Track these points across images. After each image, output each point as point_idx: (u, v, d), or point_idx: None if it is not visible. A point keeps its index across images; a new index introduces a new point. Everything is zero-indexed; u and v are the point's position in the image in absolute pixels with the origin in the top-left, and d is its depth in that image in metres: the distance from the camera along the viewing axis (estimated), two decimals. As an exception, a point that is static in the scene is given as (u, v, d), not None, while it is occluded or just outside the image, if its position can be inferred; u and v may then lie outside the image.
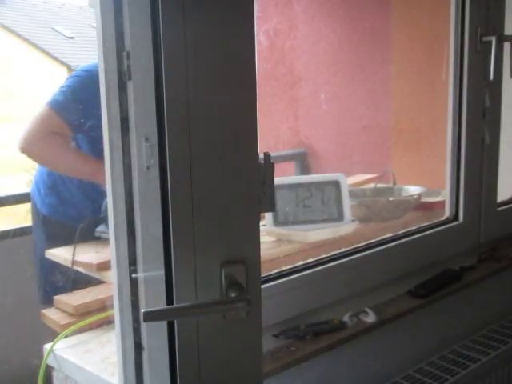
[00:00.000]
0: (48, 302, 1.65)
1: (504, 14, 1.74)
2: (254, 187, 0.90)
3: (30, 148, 1.85)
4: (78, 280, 1.67)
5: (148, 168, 0.93)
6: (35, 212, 2.02)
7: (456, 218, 1.75)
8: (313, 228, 1.74)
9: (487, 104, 1.72)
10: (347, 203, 1.79)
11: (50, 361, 1.34)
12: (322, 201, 1.80)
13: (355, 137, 2.65)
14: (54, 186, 1.97)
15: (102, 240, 1.74)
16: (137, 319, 1.00)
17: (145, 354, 1.01)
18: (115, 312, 1.03)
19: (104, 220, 1.70)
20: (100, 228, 1.75)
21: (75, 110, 1.82)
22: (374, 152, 2.60)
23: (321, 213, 1.79)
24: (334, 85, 2.64)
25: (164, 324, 0.92)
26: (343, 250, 1.50)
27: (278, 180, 0.91)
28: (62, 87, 1.86)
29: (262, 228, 0.95)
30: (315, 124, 2.77)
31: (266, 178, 0.90)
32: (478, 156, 1.75)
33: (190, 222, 0.86)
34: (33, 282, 1.96)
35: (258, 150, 0.90)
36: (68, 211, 1.96)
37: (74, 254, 1.66)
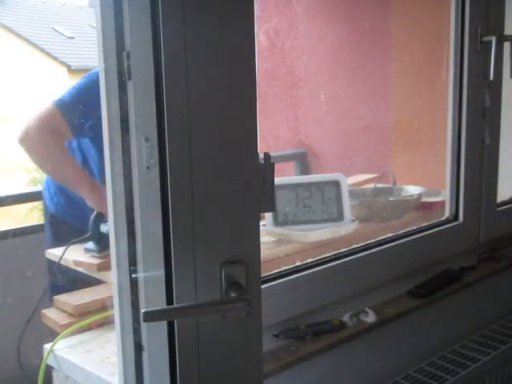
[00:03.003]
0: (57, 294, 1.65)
1: (504, 14, 1.74)
2: (254, 187, 0.90)
3: (27, 141, 1.82)
4: (78, 280, 1.67)
5: (148, 168, 0.93)
6: (45, 209, 2.04)
7: (456, 218, 1.74)
8: (313, 228, 1.73)
9: (487, 104, 1.72)
10: (347, 203, 1.79)
11: (50, 361, 1.34)
12: (322, 201, 1.79)
13: (355, 137, 2.65)
14: (63, 187, 1.97)
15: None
16: (137, 319, 1.00)
17: (145, 354, 1.01)
18: (115, 312, 1.03)
19: (92, 238, 1.65)
20: (88, 245, 1.66)
21: (79, 111, 1.80)
22: (375, 152, 2.60)
23: (321, 213, 1.79)
24: (334, 85, 2.64)
25: (164, 324, 0.92)
26: (343, 250, 1.50)
27: (277, 180, 0.91)
28: (70, 88, 1.85)
29: (261, 228, 0.95)
30: (315, 124, 2.77)
31: (266, 178, 0.90)
32: (478, 156, 1.75)
33: (189, 221, 0.86)
34: (33, 282, 1.96)
35: (258, 150, 0.90)
36: (74, 212, 1.96)
37: (63, 253, 1.66)
